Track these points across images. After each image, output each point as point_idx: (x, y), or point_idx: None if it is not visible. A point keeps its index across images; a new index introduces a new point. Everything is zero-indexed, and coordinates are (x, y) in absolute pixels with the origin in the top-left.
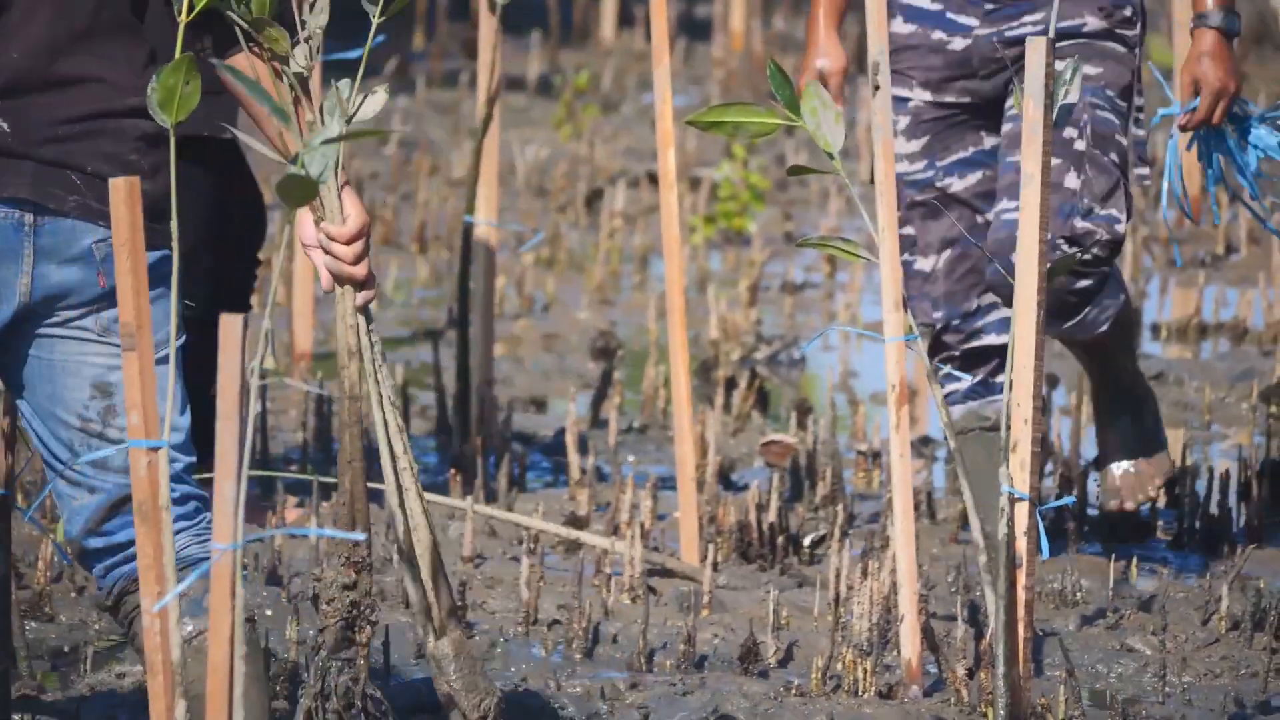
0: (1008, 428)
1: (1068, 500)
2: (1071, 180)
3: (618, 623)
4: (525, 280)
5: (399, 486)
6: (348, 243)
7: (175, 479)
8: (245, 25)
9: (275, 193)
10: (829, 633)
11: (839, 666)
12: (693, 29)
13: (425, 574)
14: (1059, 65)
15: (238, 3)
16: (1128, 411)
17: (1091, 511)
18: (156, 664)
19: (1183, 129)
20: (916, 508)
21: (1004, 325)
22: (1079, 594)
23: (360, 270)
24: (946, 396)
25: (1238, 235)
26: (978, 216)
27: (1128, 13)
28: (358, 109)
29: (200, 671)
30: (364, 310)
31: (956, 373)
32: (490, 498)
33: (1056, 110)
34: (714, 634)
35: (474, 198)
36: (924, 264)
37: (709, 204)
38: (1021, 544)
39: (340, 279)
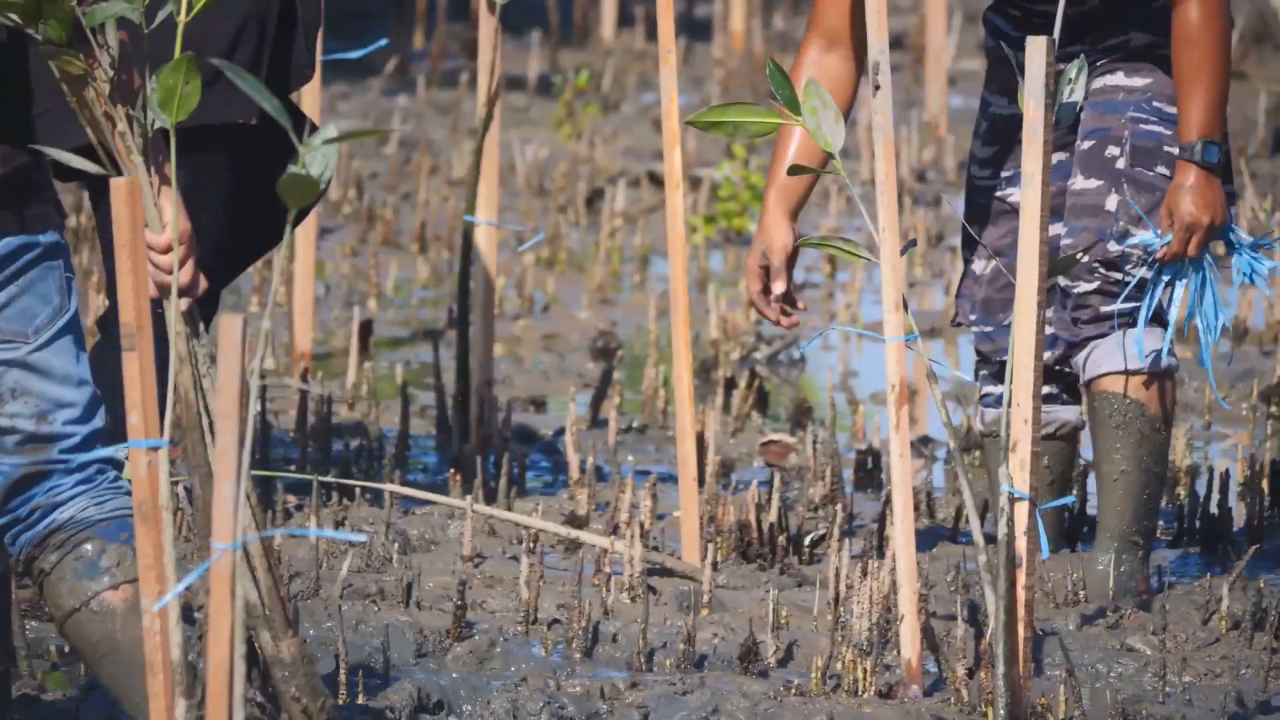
0: (1007, 427)
1: (1068, 500)
2: (1111, 202)
3: (617, 622)
4: (525, 280)
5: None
6: (163, 251)
7: (74, 449)
8: (41, 46)
9: (277, 191)
10: (829, 632)
11: (839, 666)
12: (693, 29)
13: (262, 578)
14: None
15: (38, 24)
16: (1116, 545)
17: (1091, 511)
18: (156, 664)
19: (1159, 261)
20: (916, 508)
21: (1048, 344)
22: (1079, 593)
23: (183, 276)
24: (982, 399)
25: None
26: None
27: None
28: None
29: (94, 631)
30: (189, 317)
31: (988, 383)
32: (490, 497)
33: (1059, 109)
34: (714, 633)
35: (474, 197)
36: (977, 266)
37: (709, 204)
38: (1021, 543)
39: (159, 286)
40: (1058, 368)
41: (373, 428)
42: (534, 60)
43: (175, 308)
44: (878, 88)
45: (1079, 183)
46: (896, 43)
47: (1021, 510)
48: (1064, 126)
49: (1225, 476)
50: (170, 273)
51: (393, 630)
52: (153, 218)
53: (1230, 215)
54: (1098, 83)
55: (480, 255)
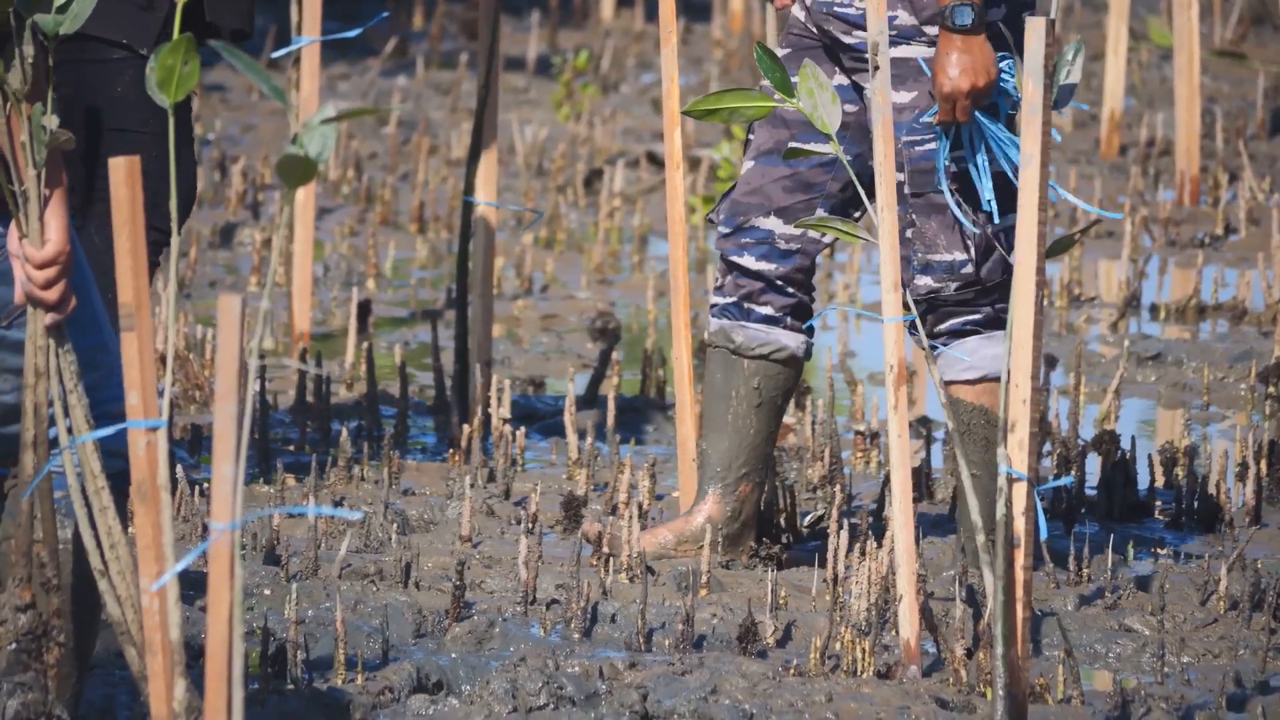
0: (1006, 407)
1: (1066, 480)
2: (910, 230)
3: (616, 602)
4: (524, 261)
5: (93, 528)
6: (40, 267)
7: None
8: None
9: (275, 172)
10: (827, 613)
11: (837, 646)
12: (691, 10)
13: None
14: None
15: None
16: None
17: (1090, 492)
18: (156, 643)
19: (938, 124)
20: (915, 488)
21: (769, 254)
22: (1077, 574)
23: (50, 295)
24: (711, 306)
25: (1237, 216)
26: (792, 143)
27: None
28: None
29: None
30: (54, 332)
31: (717, 289)
32: (489, 478)
33: (1057, 91)
34: (712, 614)
35: (473, 178)
36: (746, 164)
37: (708, 184)
38: (1020, 524)
39: (30, 298)
40: (790, 290)
41: (371, 408)
42: (533, 40)
43: (38, 321)
44: (876, 68)
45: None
46: None
47: (1020, 491)
48: (1060, 109)
49: (1224, 457)
50: (45, 287)
51: (391, 610)
52: (34, 231)
53: (1008, 70)
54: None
55: (479, 235)
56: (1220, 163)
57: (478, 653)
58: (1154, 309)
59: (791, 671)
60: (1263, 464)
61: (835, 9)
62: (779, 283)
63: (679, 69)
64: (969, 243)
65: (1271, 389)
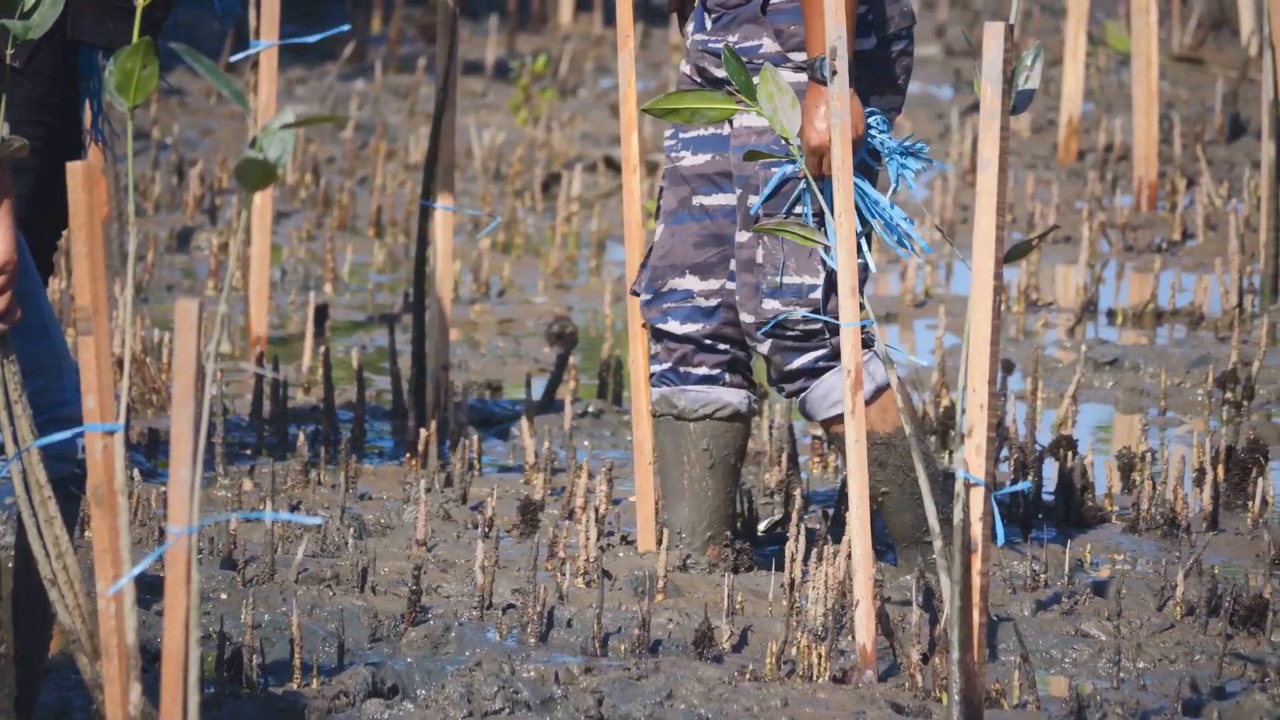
0: (963, 412)
1: (1023, 486)
2: (759, 254)
3: (572, 607)
4: (481, 265)
5: (42, 542)
6: None
7: None
8: None
9: (233, 176)
10: (784, 618)
11: (793, 651)
12: (650, 14)
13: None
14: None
15: None
16: (911, 551)
17: (1047, 497)
18: (112, 647)
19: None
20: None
21: (693, 315)
22: (1034, 579)
23: (0, 303)
24: (649, 376)
25: (1194, 221)
26: (694, 198)
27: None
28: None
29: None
30: (1, 341)
31: (655, 355)
32: (446, 482)
33: (1015, 97)
34: (668, 619)
35: (430, 182)
36: (658, 228)
37: None
38: (977, 529)
39: None
40: (722, 346)
41: (328, 412)
42: (491, 45)
43: None
44: (834, 73)
45: (739, 235)
46: None
47: (977, 496)
48: (1019, 113)
49: (1181, 462)
50: None
51: (347, 615)
52: None
53: (878, 126)
54: (735, 122)
55: (437, 240)
56: (1178, 168)
57: (433, 657)
58: (1111, 314)
59: (747, 676)
60: (1220, 469)
61: (709, 44)
62: (708, 341)
63: (637, 73)
64: (819, 268)
65: (1228, 394)
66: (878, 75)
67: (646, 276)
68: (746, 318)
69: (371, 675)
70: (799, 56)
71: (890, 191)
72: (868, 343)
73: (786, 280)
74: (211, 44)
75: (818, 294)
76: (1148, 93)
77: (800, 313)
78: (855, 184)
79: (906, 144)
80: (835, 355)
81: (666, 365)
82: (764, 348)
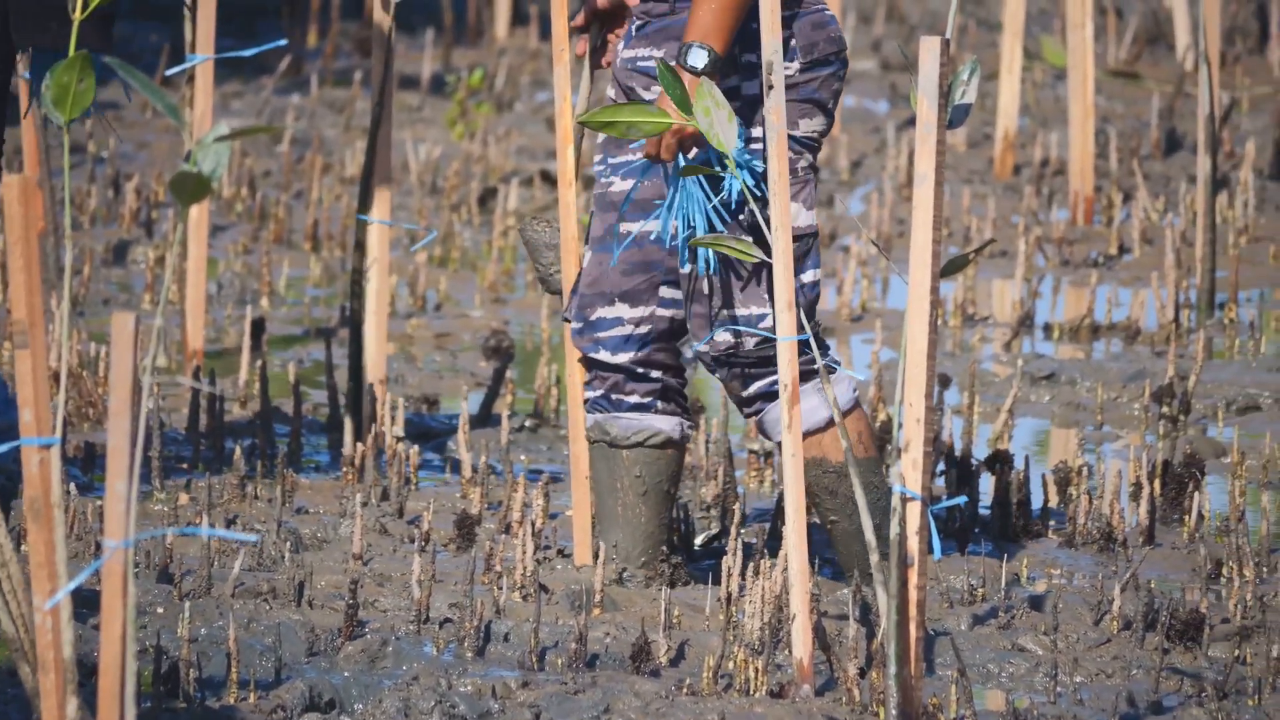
0: (900, 427)
1: (960, 500)
2: (706, 284)
3: (509, 621)
4: (418, 279)
5: None
6: None
7: None
8: None
9: (169, 190)
10: (721, 632)
11: (730, 665)
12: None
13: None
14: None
15: None
16: (862, 578)
17: (984, 511)
18: (48, 661)
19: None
20: (808, 507)
21: (623, 344)
22: (971, 594)
23: None
24: (584, 402)
25: (1130, 235)
26: (620, 225)
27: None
28: None
29: None
30: None
31: (588, 382)
32: (382, 496)
33: (951, 111)
34: (605, 633)
35: (367, 196)
36: (586, 255)
37: None
38: (913, 544)
39: None
40: (654, 374)
41: (265, 426)
42: (428, 59)
43: None
44: (771, 87)
45: (685, 266)
46: None
47: (913, 510)
48: (955, 128)
49: (1117, 477)
50: None
51: (284, 629)
52: None
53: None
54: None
55: (373, 254)
56: (1114, 183)
57: (370, 671)
58: (1048, 328)
59: (684, 691)
60: (1156, 484)
61: (637, 64)
62: (640, 370)
63: (573, 87)
64: (766, 297)
65: (1165, 409)
66: (803, 99)
67: (576, 304)
68: (701, 348)
69: (309, 689)
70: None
71: (733, 193)
72: (831, 369)
73: (736, 312)
74: (147, 58)
75: (768, 322)
76: (1083, 107)
77: (750, 344)
78: (693, 192)
79: (749, 152)
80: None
81: (599, 392)
82: (720, 375)
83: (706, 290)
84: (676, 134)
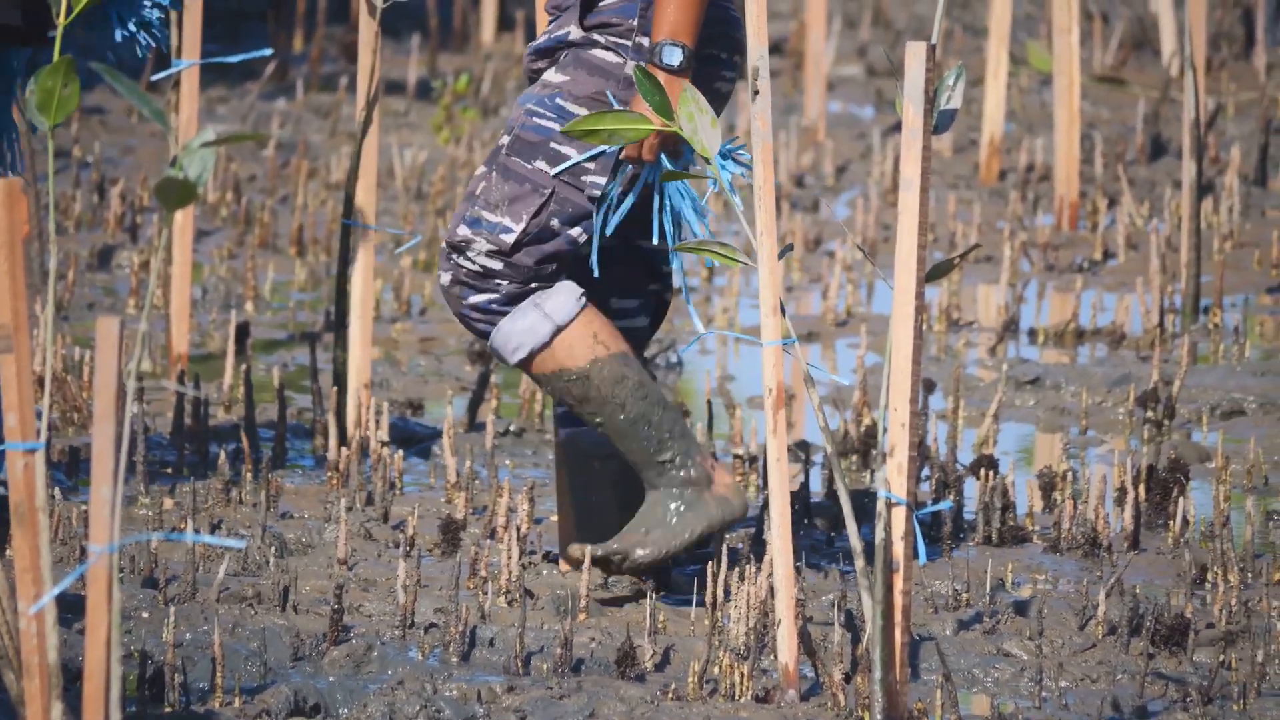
0: (885, 432)
1: (945, 505)
2: (479, 186)
3: (494, 626)
4: (403, 283)
5: None
6: None
7: None
8: None
9: (154, 195)
10: (706, 637)
11: (716, 671)
12: None
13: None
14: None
15: None
16: (650, 475)
17: (968, 516)
18: (33, 666)
19: (625, 161)
20: (794, 512)
21: None
22: (956, 599)
23: None
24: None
25: (1115, 241)
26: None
27: (633, 23)
28: None
29: None
30: None
31: None
32: (367, 500)
33: (937, 116)
34: (591, 638)
35: (352, 201)
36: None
37: None
38: (898, 548)
39: None
40: None
41: (250, 431)
42: (413, 64)
43: None
44: (757, 93)
45: (480, 167)
46: (776, 48)
47: (898, 515)
48: (941, 133)
49: (1102, 482)
50: None
51: (269, 634)
52: None
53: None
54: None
55: (358, 258)
56: (1099, 188)
57: (355, 676)
58: (1033, 333)
59: (670, 696)
60: (1141, 489)
61: (538, 48)
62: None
63: None
64: (524, 217)
65: (1149, 413)
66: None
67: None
68: (446, 235)
69: (293, 694)
70: (603, 39)
71: (709, 192)
72: (519, 296)
73: (488, 216)
74: (133, 63)
75: (509, 238)
76: (1069, 113)
77: (479, 248)
78: (672, 194)
79: (729, 147)
80: (508, 301)
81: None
82: (445, 278)
83: (478, 190)
84: (659, 136)
